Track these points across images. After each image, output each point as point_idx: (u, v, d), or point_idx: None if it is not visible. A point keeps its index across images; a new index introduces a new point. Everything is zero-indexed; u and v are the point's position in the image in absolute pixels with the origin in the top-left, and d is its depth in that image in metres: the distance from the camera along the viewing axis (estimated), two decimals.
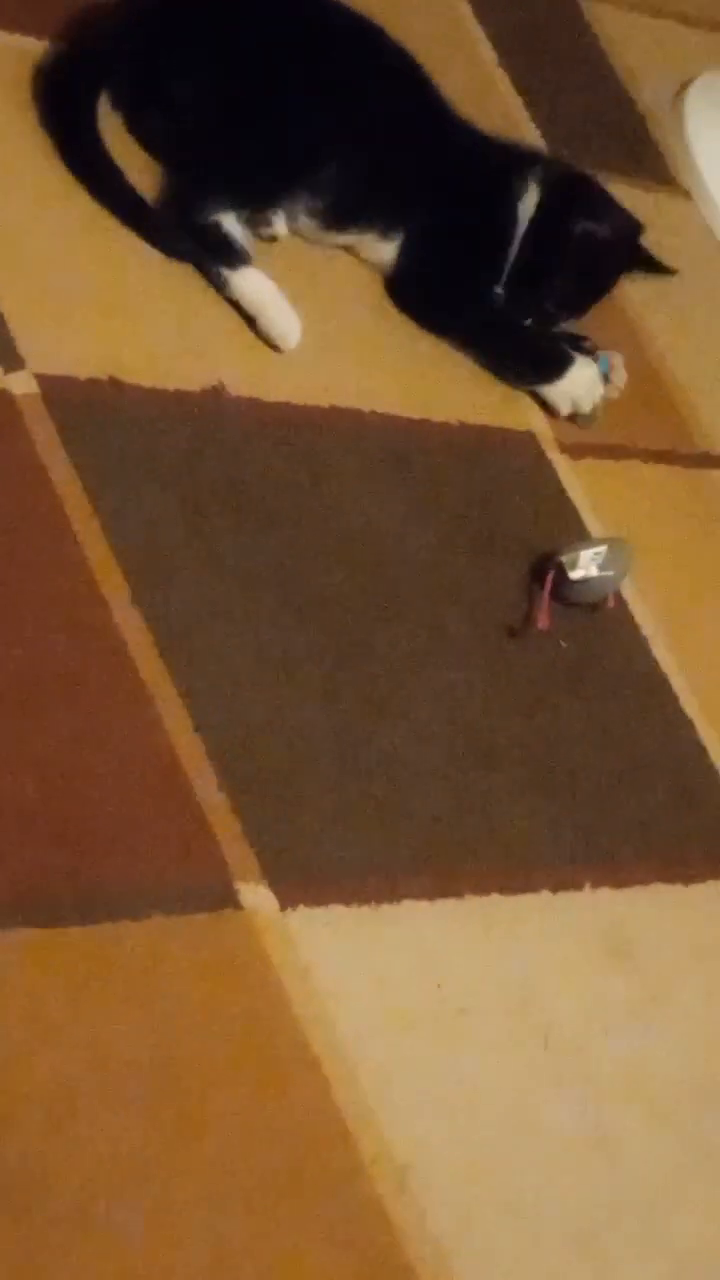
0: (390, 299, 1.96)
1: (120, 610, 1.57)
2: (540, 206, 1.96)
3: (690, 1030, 1.68)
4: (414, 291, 1.96)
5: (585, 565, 1.83)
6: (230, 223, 1.84)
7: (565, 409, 1.99)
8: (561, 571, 1.82)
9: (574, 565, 1.83)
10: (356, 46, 1.95)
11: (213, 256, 1.83)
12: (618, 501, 1.98)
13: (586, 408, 2.00)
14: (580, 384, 1.99)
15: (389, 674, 1.71)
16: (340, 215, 1.92)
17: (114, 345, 1.74)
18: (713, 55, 2.60)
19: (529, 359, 2.00)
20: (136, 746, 1.52)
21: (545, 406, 1.99)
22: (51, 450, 1.63)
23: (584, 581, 1.83)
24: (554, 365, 1.99)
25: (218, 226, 1.83)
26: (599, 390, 2.00)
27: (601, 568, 1.84)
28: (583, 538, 1.90)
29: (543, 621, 1.80)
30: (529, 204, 1.96)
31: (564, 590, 1.83)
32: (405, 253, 1.95)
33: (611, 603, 1.87)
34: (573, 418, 2.00)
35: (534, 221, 1.96)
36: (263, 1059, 1.43)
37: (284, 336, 1.84)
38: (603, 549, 1.85)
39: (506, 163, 2.01)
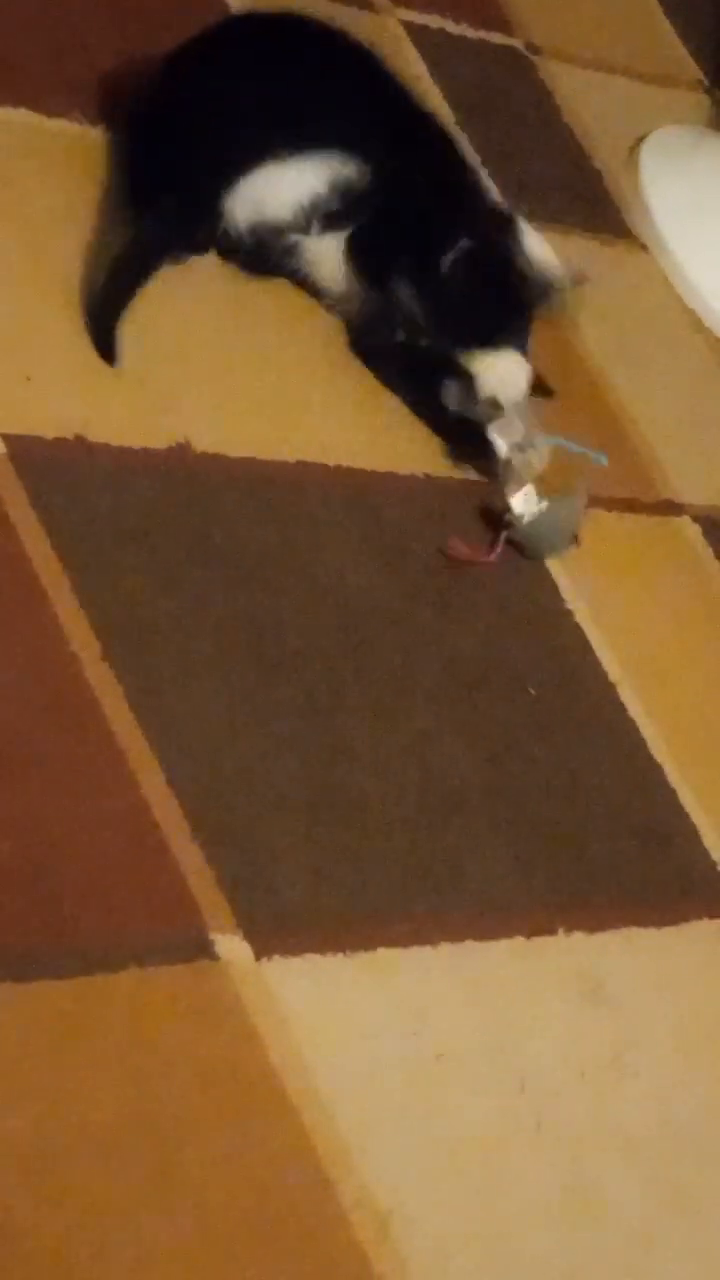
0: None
1: (91, 666, 1.58)
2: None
3: (666, 1073, 1.68)
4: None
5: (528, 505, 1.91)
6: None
7: (486, 390, 1.94)
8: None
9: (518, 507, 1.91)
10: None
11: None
12: (583, 550, 1.99)
13: (506, 397, 1.94)
14: (500, 369, 1.94)
15: (359, 724, 1.71)
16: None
17: (80, 404, 1.75)
18: (666, 111, 2.63)
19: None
20: (109, 800, 1.52)
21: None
22: (20, 509, 1.64)
23: (533, 524, 1.90)
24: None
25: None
26: (522, 379, 1.95)
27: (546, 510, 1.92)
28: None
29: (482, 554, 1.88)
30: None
31: (516, 536, 1.91)
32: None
33: (577, 543, 1.94)
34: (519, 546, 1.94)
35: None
36: (241, 1108, 1.43)
37: None
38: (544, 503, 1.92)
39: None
